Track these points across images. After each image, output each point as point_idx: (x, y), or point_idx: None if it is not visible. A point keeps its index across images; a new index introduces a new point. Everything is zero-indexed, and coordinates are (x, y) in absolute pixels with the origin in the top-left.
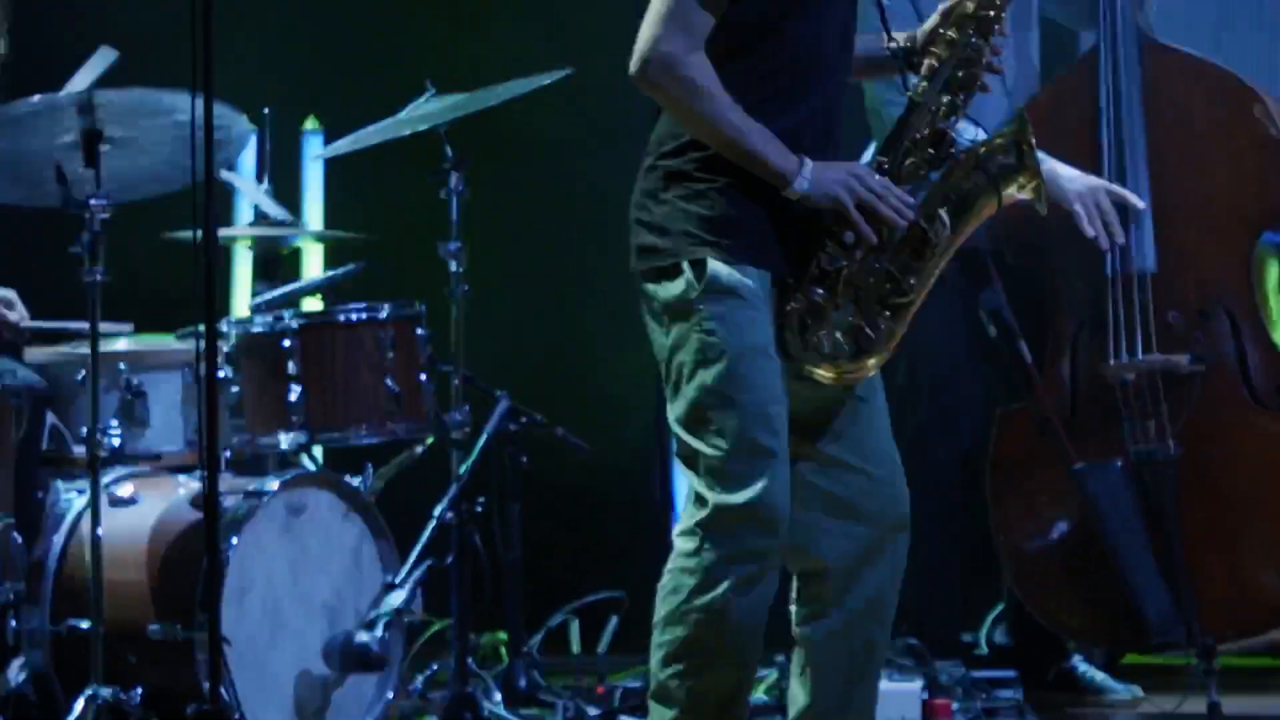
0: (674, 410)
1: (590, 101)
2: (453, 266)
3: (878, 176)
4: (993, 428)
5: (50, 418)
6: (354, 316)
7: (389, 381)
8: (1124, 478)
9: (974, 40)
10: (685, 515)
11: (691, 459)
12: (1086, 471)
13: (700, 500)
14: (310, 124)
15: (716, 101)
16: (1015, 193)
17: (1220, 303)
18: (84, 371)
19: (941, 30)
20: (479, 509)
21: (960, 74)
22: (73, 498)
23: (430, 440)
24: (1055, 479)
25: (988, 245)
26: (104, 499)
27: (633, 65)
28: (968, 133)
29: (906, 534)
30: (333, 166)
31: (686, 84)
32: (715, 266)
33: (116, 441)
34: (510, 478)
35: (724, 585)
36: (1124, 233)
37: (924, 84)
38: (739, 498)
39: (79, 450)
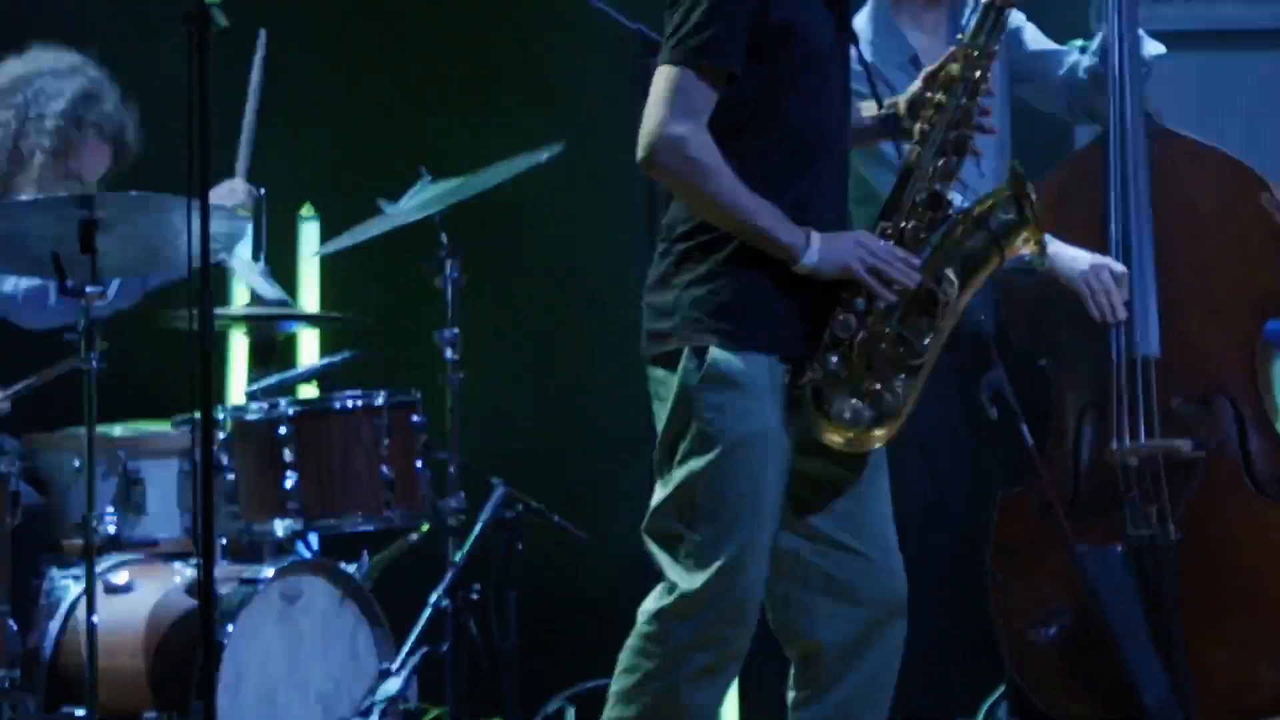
0: (661, 491)
1: (585, 180)
2: (448, 354)
3: (883, 242)
4: (993, 510)
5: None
6: (349, 404)
7: (384, 468)
8: (1124, 562)
9: (963, 102)
10: (653, 596)
11: (671, 541)
12: (1087, 555)
13: (670, 583)
14: (306, 210)
15: (723, 181)
16: (1019, 247)
17: (1224, 389)
18: (80, 458)
19: (929, 95)
20: (475, 596)
21: (952, 136)
22: (68, 584)
23: (426, 527)
24: (1056, 562)
25: (990, 328)
26: (99, 586)
27: (640, 150)
28: (955, 200)
29: (904, 618)
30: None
31: (694, 165)
32: (716, 354)
33: (112, 528)
34: (506, 565)
35: (680, 672)
36: (1125, 311)
37: (917, 149)
38: (709, 585)
39: (75, 537)
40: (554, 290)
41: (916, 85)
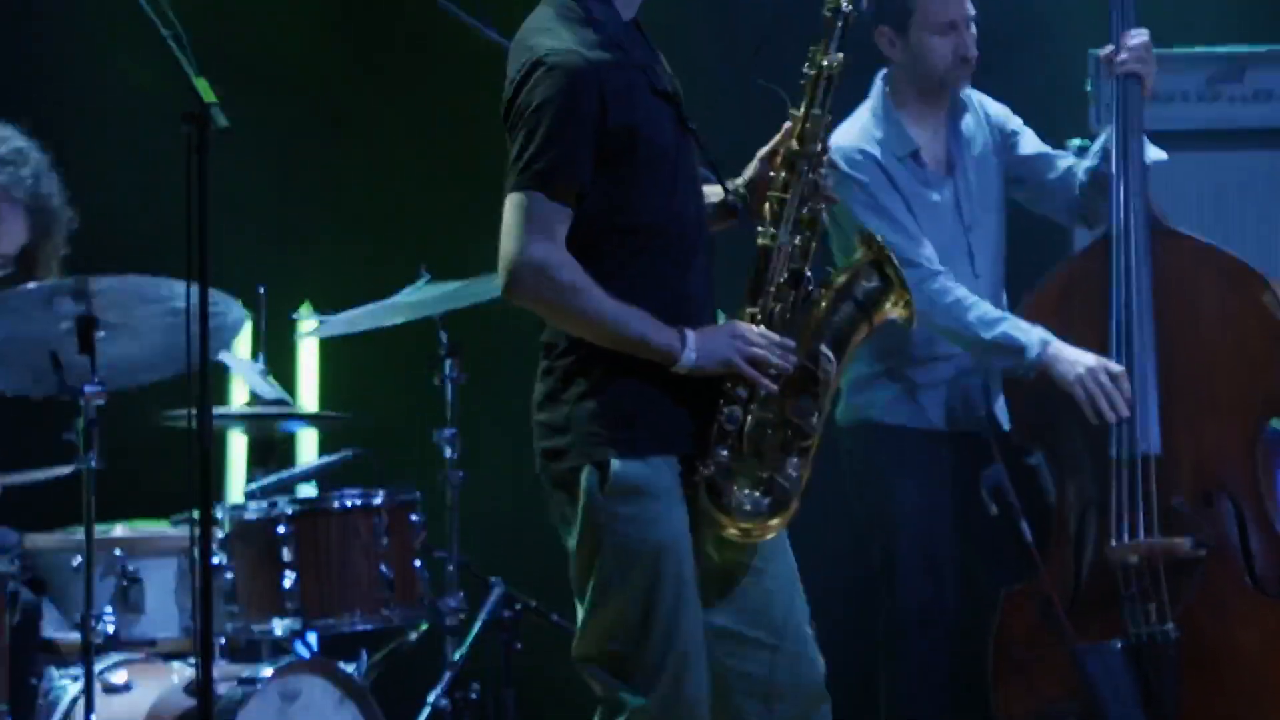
0: (585, 613)
1: None
2: (447, 453)
3: (757, 329)
4: (993, 607)
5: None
6: (348, 503)
7: (383, 567)
8: (1124, 659)
9: (809, 176)
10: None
11: (612, 661)
12: (1086, 652)
13: (617, 703)
14: (304, 309)
15: (589, 297)
16: (888, 312)
17: (1225, 488)
18: (79, 557)
19: (772, 174)
20: (474, 696)
21: (805, 212)
22: (66, 684)
23: (425, 626)
24: (1057, 659)
25: (990, 430)
26: (98, 686)
27: (500, 278)
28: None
29: (828, 703)
30: (327, 350)
31: (557, 286)
32: (618, 465)
33: (111, 628)
34: (505, 664)
35: None
36: (1128, 409)
37: (772, 229)
38: (660, 698)
39: (74, 636)
40: None
41: (755, 166)
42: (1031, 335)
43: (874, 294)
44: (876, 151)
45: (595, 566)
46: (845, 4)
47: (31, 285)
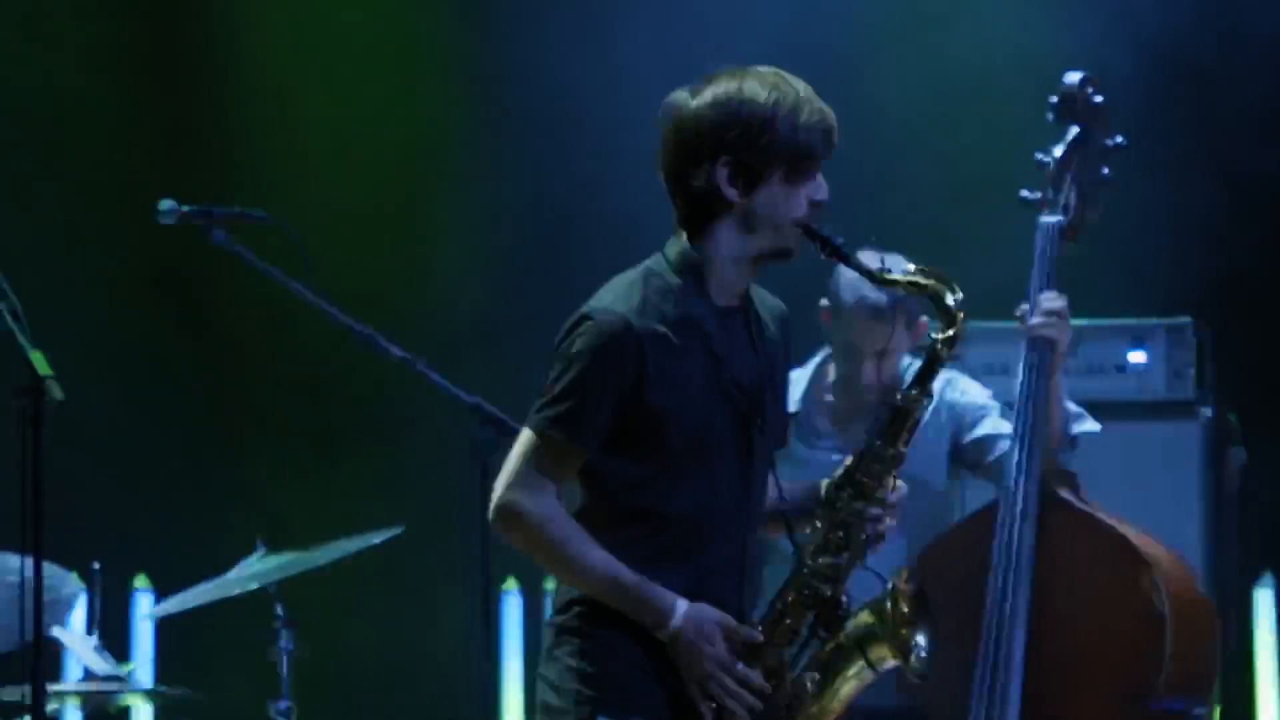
0: None
1: (423, 558)
2: None
3: (735, 664)
4: None
5: None
6: None
7: None
8: None
9: (854, 504)
10: None
11: None
12: None
13: None
14: (140, 581)
15: (569, 547)
16: (888, 659)
17: None
18: None
19: (833, 492)
20: None
21: (840, 536)
22: None
23: None
24: None
25: None
26: None
27: (489, 512)
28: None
29: None
30: (164, 623)
31: (532, 533)
32: None
33: None
34: None
35: None
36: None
37: (809, 545)
38: None
39: None
40: (386, 670)
41: (839, 473)
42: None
43: (870, 636)
44: None
45: None
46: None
47: None
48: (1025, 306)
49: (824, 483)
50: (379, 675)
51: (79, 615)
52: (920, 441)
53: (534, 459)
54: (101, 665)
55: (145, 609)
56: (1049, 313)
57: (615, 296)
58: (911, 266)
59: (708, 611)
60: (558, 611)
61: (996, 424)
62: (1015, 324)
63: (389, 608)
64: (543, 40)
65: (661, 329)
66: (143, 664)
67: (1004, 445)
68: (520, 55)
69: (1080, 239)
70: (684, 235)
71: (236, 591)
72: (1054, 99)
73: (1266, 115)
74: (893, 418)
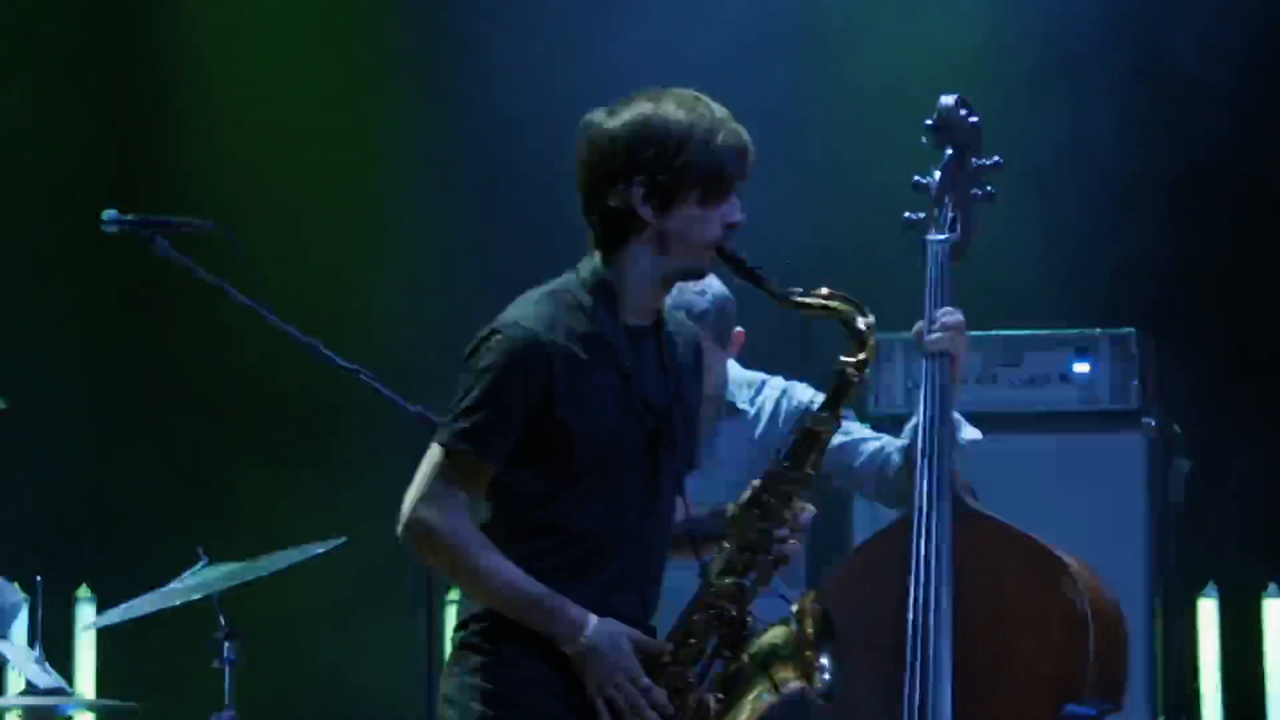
0: None
1: (362, 572)
2: None
3: (642, 679)
4: None
5: None
6: None
7: None
8: None
9: (761, 525)
10: None
11: None
12: None
13: None
14: (83, 592)
15: (482, 559)
16: (791, 680)
17: None
18: None
19: (739, 513)
20: None
21: (746, 556)
22: None
23: None
24: None
25: None
26: None
27: (399, 528)
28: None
29: None
30: (106, 634)
31: (440, 548)
32: None
33: None
34: None
35: None
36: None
37: (715, 565)
38: None
39: None
40: (329, 681)
41: (746, 495)
42: None
43: (779, 658)
44: None
45: None
46: (853, 371)
47: None
48: (921, 324)
49: (730, 505)
50: (322, 686)
51: (20, 628)
52: (751, 444)
53: (442, 474)
54: (44, 678)
55: (86, 620)
56: (945, 327)
57: (525, 312)
58: (824, 290)
59: (618, 625)
60: (457, 628)
61: (852, 428)
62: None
63: (332, 618)
64: (495, 41)
65: (570, 345)
66: (85, 676)
67: (872, 446)
68: (472, 57)
69: (1024, 250)
70: (597, 254)
71: (179, 602)
72: (929, 121)
73: (1213, 125)
74: (800, 440)
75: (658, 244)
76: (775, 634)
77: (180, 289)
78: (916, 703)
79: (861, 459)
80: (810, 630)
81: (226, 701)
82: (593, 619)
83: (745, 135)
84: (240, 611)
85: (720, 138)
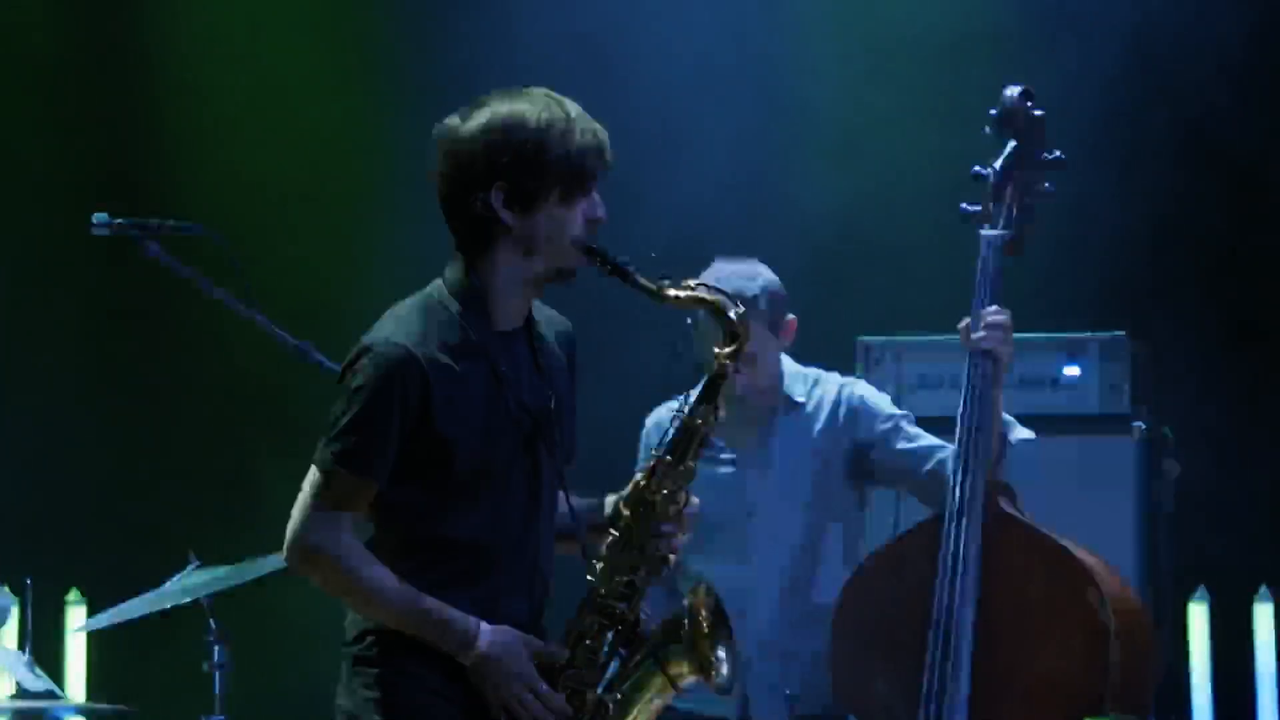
0: None
1: None
2: None
3: (541, 686)
4: None
5: None
6: None
7: None
8: None
9: (646, 520)
10: None
11: None
12: None
13: None
14: (73, 595)
15: (369, 577)
16: (687, 675)
17: None
18: None
19: (624, 509)
20: None
21: (634, 553)
22: None
23: None
24: None
25: None
26: None
27: (284, 553)
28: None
29: None
30: (96, 637)
31: (330, 569)
32: None
33: None
34: None
35: None
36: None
37: (600, 565)
38: None
39: None
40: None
41: (629, 488)
42: None
43: (673, 655)
44: None
45: None
46: (725, 362)
47: None
48: (967, 320)
49: (613, 499)
50: (313, 690)
51: (10, 631)
52: (810, 440)
53: (324, 496)
54: (34, 681)
55: (77, 623)
56: (991, 326)
57: (396, 326)
58: (693, 282)
59: (512, 632)
60: (350, 642)
61: (918, 433)
62: (957, 337)
63: (322, 622)
64: (489, 43)
65: (443, 357)
66: (75, 679)
67: (942, 455)
68: (466, 60)
69: (1016, 251)
70: (462, 260)
71: (170, 606)
72: (993, 112)
73: (1198, 128)
74: (680, 434)
75: (522, 246)
76: (668, 629)
77: (172, 293)
78: (934, 702)
79: (930, 464)
80: (704, 623)
81: (217, 705)
82: (485, 628)
83: (602, 130)
84: (231, 615)
85: (577, 135)
